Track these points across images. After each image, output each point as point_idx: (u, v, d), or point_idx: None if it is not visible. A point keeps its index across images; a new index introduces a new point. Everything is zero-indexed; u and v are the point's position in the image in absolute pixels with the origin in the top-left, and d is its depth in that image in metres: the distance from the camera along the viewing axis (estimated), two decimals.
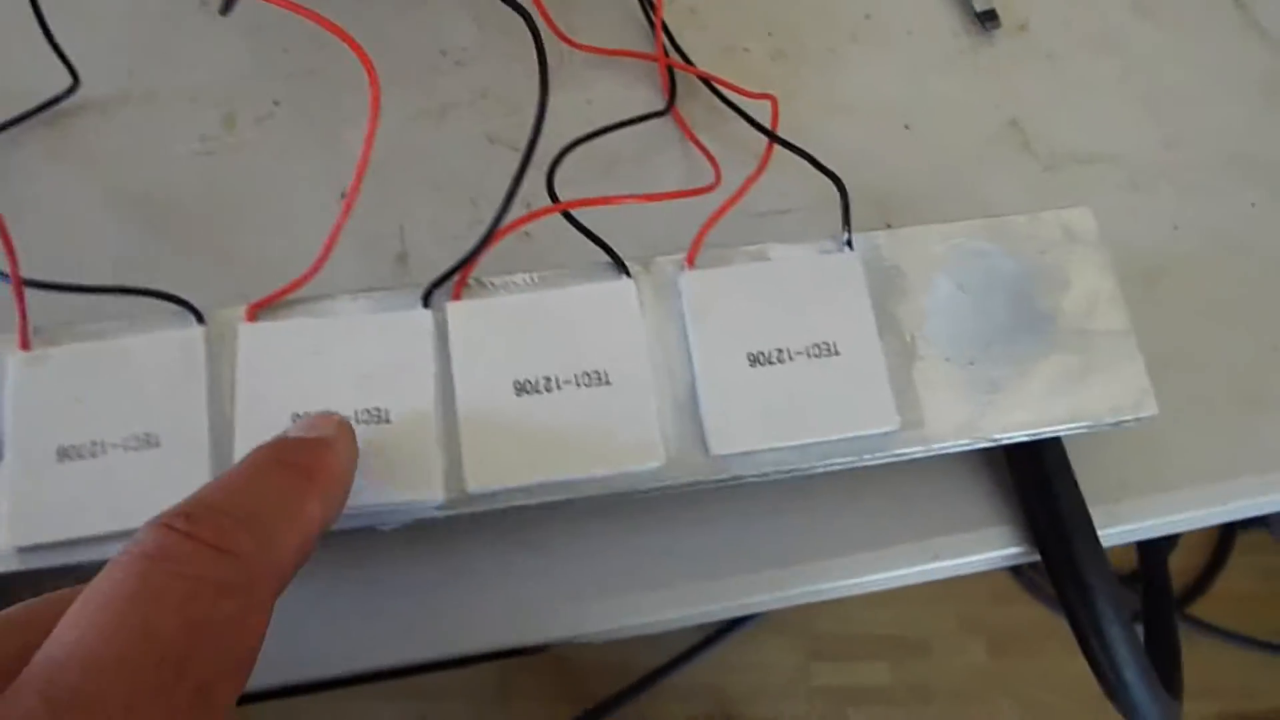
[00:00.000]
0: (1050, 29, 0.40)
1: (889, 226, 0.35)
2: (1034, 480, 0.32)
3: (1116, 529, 0.34)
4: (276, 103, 0.36)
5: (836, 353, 0.29)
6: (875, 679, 1.17)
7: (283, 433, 0.26)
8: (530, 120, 0.37)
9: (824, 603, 0.33)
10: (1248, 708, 1.14)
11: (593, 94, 0.37)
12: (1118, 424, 0.30)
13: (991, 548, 0.33)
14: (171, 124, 0.36)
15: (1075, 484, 0.32)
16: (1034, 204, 0.36)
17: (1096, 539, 0.32)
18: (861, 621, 1.17)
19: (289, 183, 0.35)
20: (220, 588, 0.20)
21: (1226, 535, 1.18)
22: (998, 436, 0.29)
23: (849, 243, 0.30)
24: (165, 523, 0.20)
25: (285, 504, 0.23)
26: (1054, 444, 0.32)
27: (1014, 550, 0.33)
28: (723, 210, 0.31)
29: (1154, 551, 0.48)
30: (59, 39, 0.34)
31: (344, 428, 0.26)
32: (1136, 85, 0.39)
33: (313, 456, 0.25)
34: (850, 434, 0.29)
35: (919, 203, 0.36)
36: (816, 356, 0.29)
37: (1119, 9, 0.40)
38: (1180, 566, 1.20)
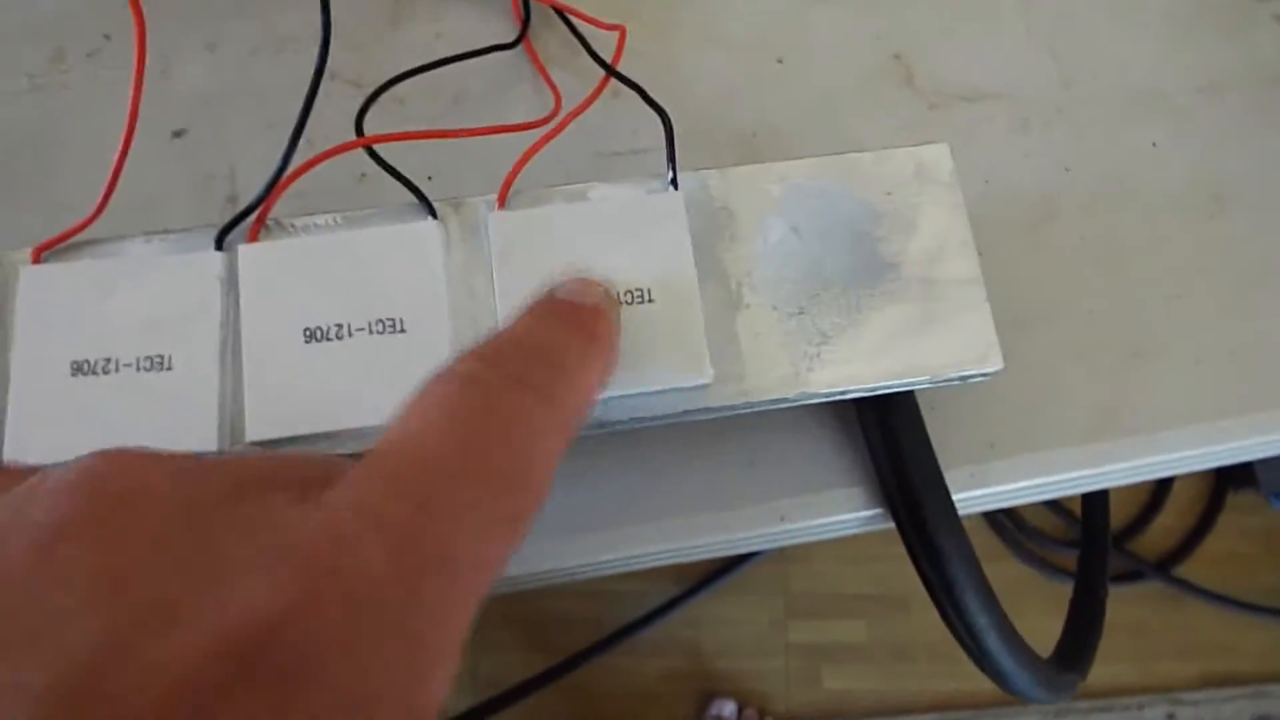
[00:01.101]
0: None
1: None
2: (882, 438, 0.30)
3: (984, 490, 0.32)
4: (107, 36, 0.34)
5: (651, 300, 0.27)
6: (852, 636, 1.16)
7: (550, 290, 0.24)
8: (379, 56, 0.35)
9: (800, 560, 0.32)
10: (1230, 668, 1.12)
11: (443, 26, 0.35)
12: (962, 379, 0.28)
13: (842, 510, 0.31)
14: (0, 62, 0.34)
15: (927, 442, 0.30)
16: (913, 145, 0.34)
17: (949, 501, 0.30)
18: (839, 579, 1.15)
19: (116, 119, 0.34)
20: (536, 419, 0.19)
21: (1216, 495, 1.15)
22: (823, 391, 0.27)
23: (674, 182, 0.28)
24: (473, 355, 0.20)
25: (574, 357, 0.22)
26: (904, 399, 0.30)
27: (867, 513, 0.31)
28: (537, 146, 0.28)
29: (1093, 501, 0.46)
30: None
31: (610, 299, 0.25)
32: (1036, 16, 0.36)
33: (592, 319, 0.23)
34: (659, 387, 0.27)
35: (787, 143, 0.34)
36: (630, 303, 0.27)
37: None
38: (1168, 527, 1.17)
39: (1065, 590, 0.41)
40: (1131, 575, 1.13)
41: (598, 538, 0.30)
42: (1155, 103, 0.36)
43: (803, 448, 0.31)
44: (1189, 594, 1.12)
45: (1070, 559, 1.12)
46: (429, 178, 0.33)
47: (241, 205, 0.33)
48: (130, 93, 0.27)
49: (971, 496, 0.32)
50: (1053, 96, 0.35)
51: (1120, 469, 0.32)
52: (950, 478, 0.30)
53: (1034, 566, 1.14)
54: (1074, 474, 0.32)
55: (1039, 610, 1.13)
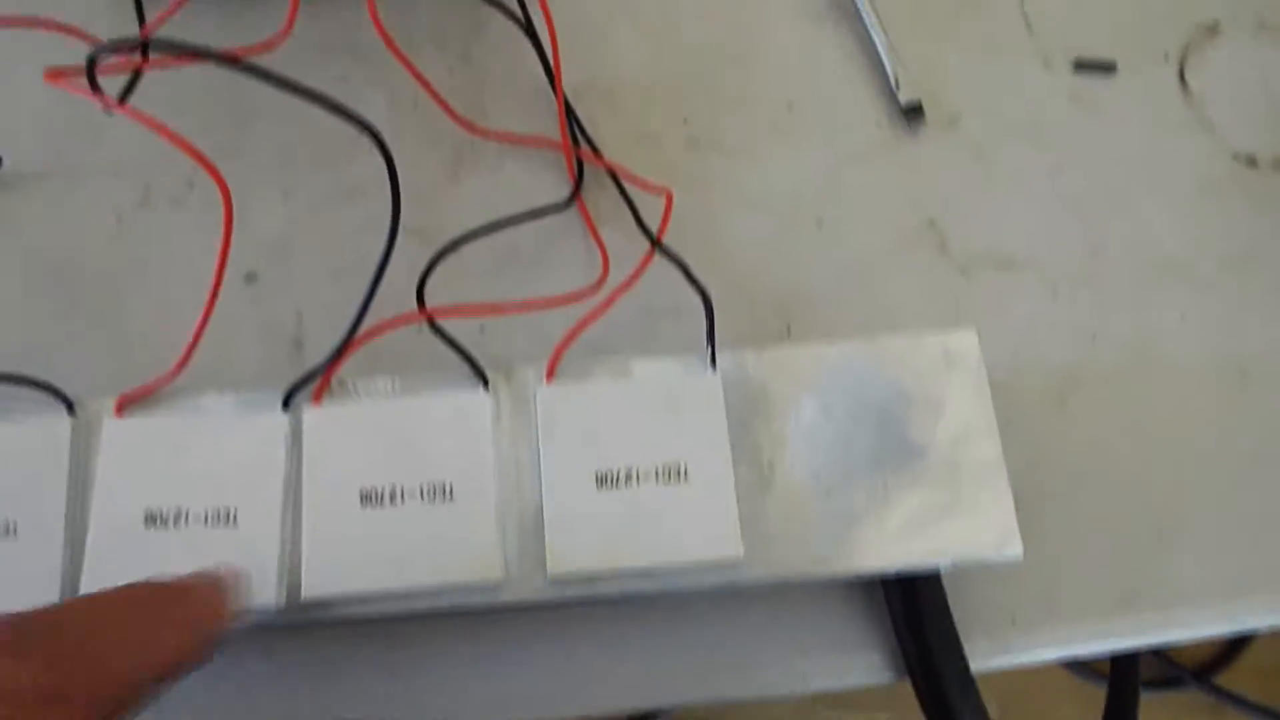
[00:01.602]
0: (980, 122, 0.38)
1: (789, 330, 0.35)
2: (906, 609, 0.31)
3: (1003, 660, 0.33)
4: (191, 184, 0.37)
5: (686, 477, 0.29)
6: None
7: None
8: (441, 208, 0.38)
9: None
10: None
11: (500, 180, 0.37)
12: (980, 563, 0.29)
13: (864, 676, 0.32)
14: (90, 199, 0.37)
15: (948, 617, 0.31)
16: (945, 310, 0.36)
17: (969, 679, 0.30)
18: None
19: (198, 261, 0.36)
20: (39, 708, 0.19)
21: None
22: (850, 571, 0.28)
23: (713, 361, 0.30)
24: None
25: (127, 633, 0.22)
26: (928, 574, 0.31)
27: (888, 676, 0.32)
28: (585, 322, 0.30)
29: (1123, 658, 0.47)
30: None
31: (213, 583, 0.25)
32: (1067, 184, 0.38)
33: (175, 592, 0.24)
34: (692, 560, 0.28)
35: (823, 305, 0.36)
36: (665, 481, 0.29)
37: (1057, 100, 0.39)
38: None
39: (1098, 692, 0.41)
40: (1170, 682, 1.11)
41: (620, 692, 0.32)
42: (1182, 273, 0.37)
43: (827, 611, 0.32)
44: (1229, 704, 1.09)
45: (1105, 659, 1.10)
46: (481, 329, 0.35)
47: (306, 350, 0.35)
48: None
49: (991, 666, 0.32)
50: (1081, 264, 0.37)
51: (1139, 643, 0.33)
52: (970, 647, 0.31)
53: (1067, 670, 1.13)
54: (1094, 647, 0.33)
55: (1070, 713, 1.12)
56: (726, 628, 0.32)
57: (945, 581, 0.31)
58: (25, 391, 0.30)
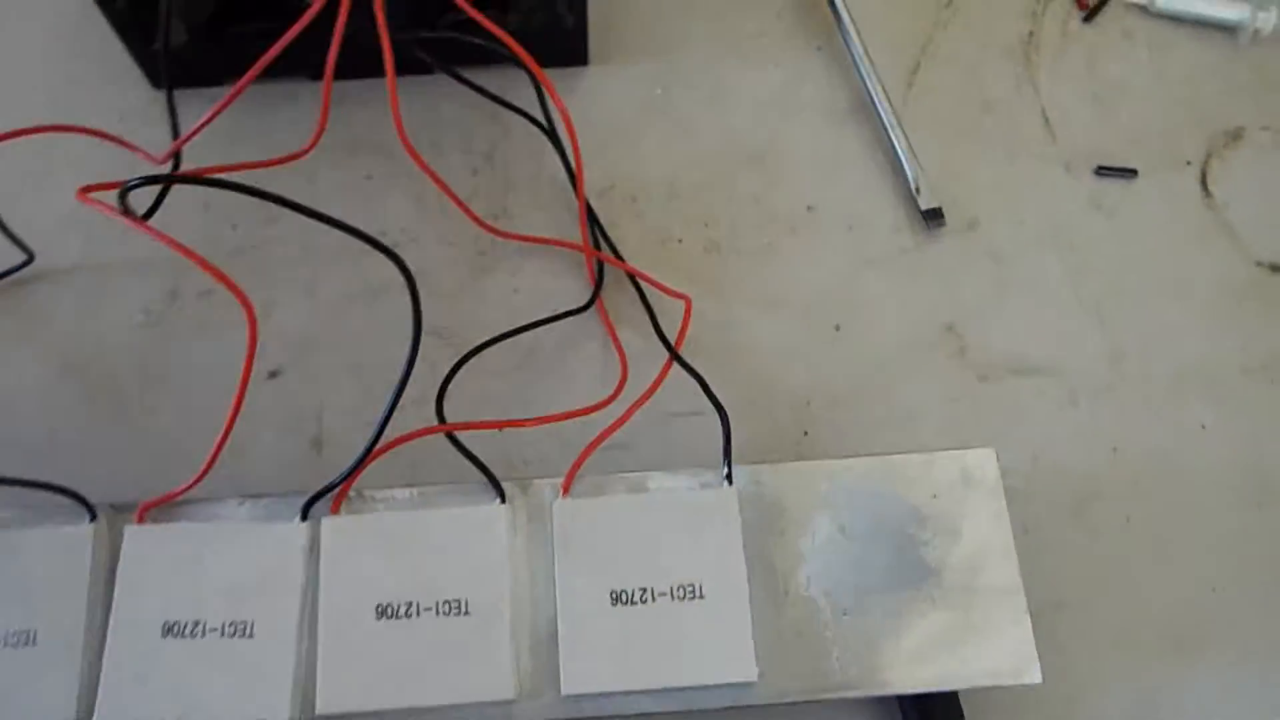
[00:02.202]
0: (1000, 226, 0.39)
1: (805, 435, 0.35)
2: None
3: None
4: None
5: (701, 596, 0.29)
6: None
7: None
8: (462, 307, 0.38)
9: None
10: None
11: (520, 281, 0.38)
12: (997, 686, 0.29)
13: None
14: (118, 296, 0.37)
15: None
16: (963, 416, 0.36)
17: None
18: None
19: (223, 359, 0.37)
20: None
21: None
22: (866, 693, 0.28)
23: (728, 477, 0.30)
24: None
25: None
26: (945, 693, 0.31)
27: None
28: (602, 437, 0.30)
29: None
30: (20, 209, 0.36)
31: None
32: (1087, 289, 0.38)
33: None
34: (708, 682, 0.28)
35: (841, 409, 0.36)
36: (680, 599, 0.29)
37: (1077, 205, 0.39)
38: None
39: None
40: None
41: None
42: (1204, 381, 0.37)
43: None
44: None
45: None
46: (496, 433, 0.35)
47: (325, 451, 0.36)
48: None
49: None
50: (1102, 371, 0.37)
51: None
52: None
53: None
54: None
55: None
56: None
57: (961, 696, 0.31)
58: (47, 496, 0.30)
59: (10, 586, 0.29)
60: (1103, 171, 0.39)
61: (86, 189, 0.29)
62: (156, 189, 0.33)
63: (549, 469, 0.31)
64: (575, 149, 0.35)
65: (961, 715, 0.31)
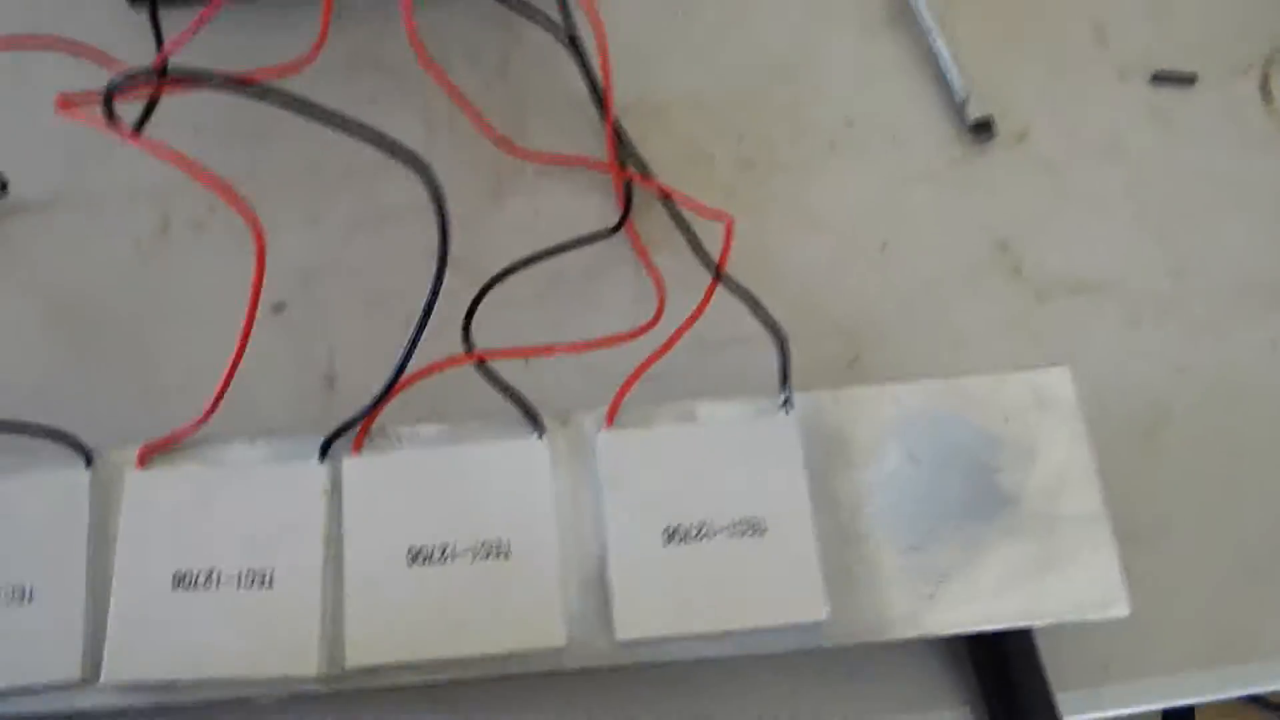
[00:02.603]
0: (1052, 138, 0.36)
1: (856, 359, 0.33)
2: (994, 666, 0.29)
3: (1097, 713, 0.30)
4: (212, 207, 0.35)
5: (763, 531, 0.26)
6: None
7: None
8: (480, 235, 0.35)
9: None
10: None
11: (542, 204, 0.35)
12: (1082, 621, 0.27)
13: None
14: (105, 226, 0.34)
15: (1042, 675, 0.29)
16: (1020, 339, 0.33)
17: None
18: None
19: (220, 292, 0.34)
20: None
21: None
22: (940, 632, 0.26)
23: (787, 403, 0.28)
24: None
25: None
26: (1020, 630, 0.29)
27: None
28: (646, 364, 0.28)
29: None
30: None
31: None
32: (1144, 202, 0.35)
33: None
34: (773, 623, 0.26)
35: (892, 333, 0.33)
36: (741, 534, 0.26)
37: (1132, 114, 0.37)
38: None
39: None
40: None
41: None
42: (1271, 296, 0.34)
43: (904, 665, 0.30)
44: None
45: None
46: (525, 365, 0.33)
47: (339, 387, 0.33)
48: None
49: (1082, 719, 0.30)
50: (1163, 289, 0.34)
51: (1238, 692, 0.31)
52: (1062, 700, 0.29)
53: None
54: (1192, 700, 0.30)
55: None
56: (793, 683, 0.30)
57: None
58: (39, 443, 0.27)
59: (2, 540, 0.26)
60: (1159, 78, 0.37)
61: (66, 99, 0.26)
62: (140, 105, 0.30)
63: (577, 405, 0.29)
64: (604, 58, 0.32)
65: (1035, 651, 0.29)
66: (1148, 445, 0.33)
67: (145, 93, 0.29)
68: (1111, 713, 0.30)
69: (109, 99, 0.23)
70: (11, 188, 0.34)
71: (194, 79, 0.23)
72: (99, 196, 0.35)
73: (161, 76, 0.27)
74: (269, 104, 0.22)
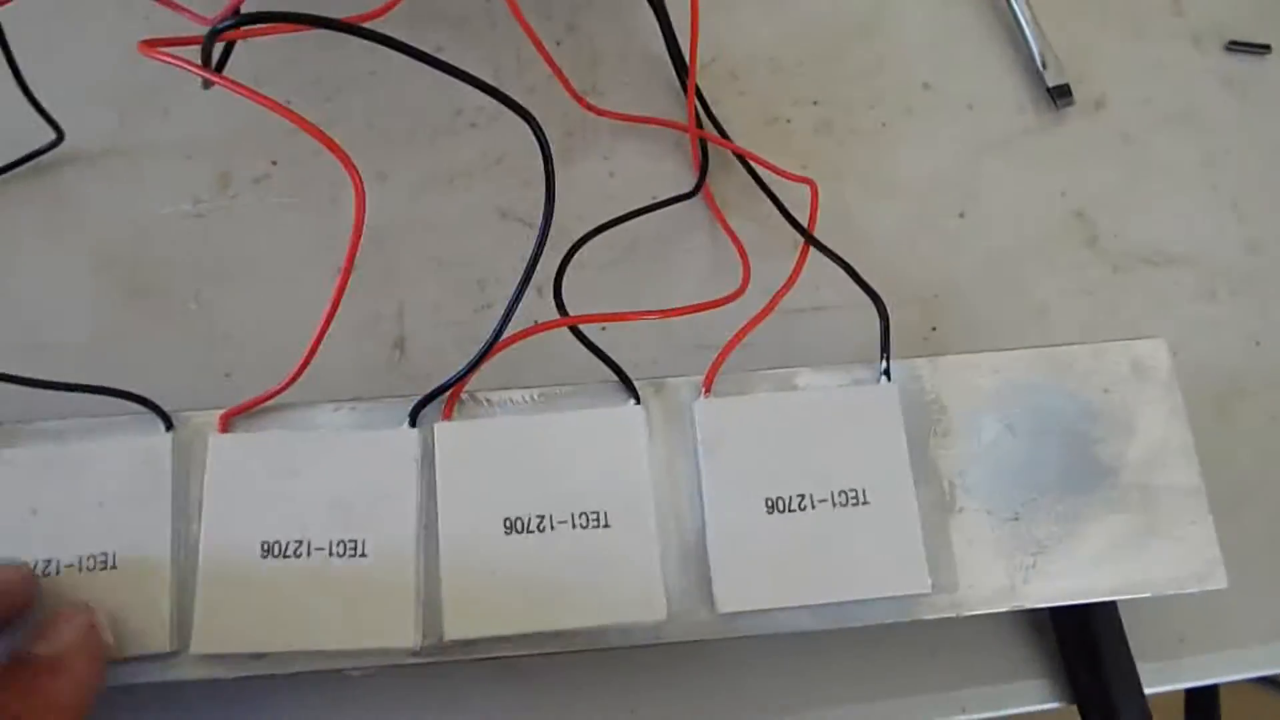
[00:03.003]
0: (1129, 106, 0.36)
1: (933, 330, 0.32)
2: (1078, 639, 0.29)
3: (1172, 687, 0.30)
4: (274, 162, 0.33)
5: (865, 501, 0.26)
6: None
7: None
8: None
9: None
10: None
11: (616, 164, 0.34)
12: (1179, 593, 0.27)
13: (1025, 702, 0.30)
14: (161, 182, 0.33)
15: (1126, 647, 0.29)
16: (1098, 310, 0.33)
17: (1146, 710, 0.28)
18: None
19: (284, 252, 0.33)
20: None
21: None
22: (1039, 605, 0.26)
23: (886, 372, 0.27)
24: None
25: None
26: (1106, 604, 0.29)
27: (1052, 706, 0.30)
28: (744, 331, 0.27)
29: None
30: (47, 85, 0.32)
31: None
32: (1221, 174, 0.35)
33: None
34: (876, 595, 0.26)
35: (969, 304, 0.33)
36: (842, 505, 0.26)
37: (1208, 83, 0.36)
38: None
39: None
40: None
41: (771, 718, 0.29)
42: None
43: (986, 636, 0.30)
44: None
45: None
46: (602, 328, 0.32)
47: (409, 350, 0.32)
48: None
49: (1160, 689, 0.30)
50: (1240, 262, 0.34)
51: None
52: (1139, 670, 0.29)
53: None
54: (1267, 672, 0.31)
55: None
56: (881, 653, 0.30)
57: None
58: (111, 404, 0.26)
59: (82, 506, 0.26)
60: (1234, 47, 0.36)
61: (151, 43, 0.25)
62: (219, 55, 0.29)
63: (661, 373, 0.28)
64: (695, 16, 0.31)
65: (1119, 623, 0.29)
66: (1223, 417, 0.33)
67: (224, 37, 0.28)
68: (1188, 684, 0.31)
69: (211, 40, 0.22)
70: (68, 139, 0.33)
71: (295, 20, 0.22)
72: (157, 150, 0.33)
73: (265, 18, 0.26)
74: (360, 41, 0.21)
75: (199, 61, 0.24)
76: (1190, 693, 0.48)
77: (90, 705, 0.23)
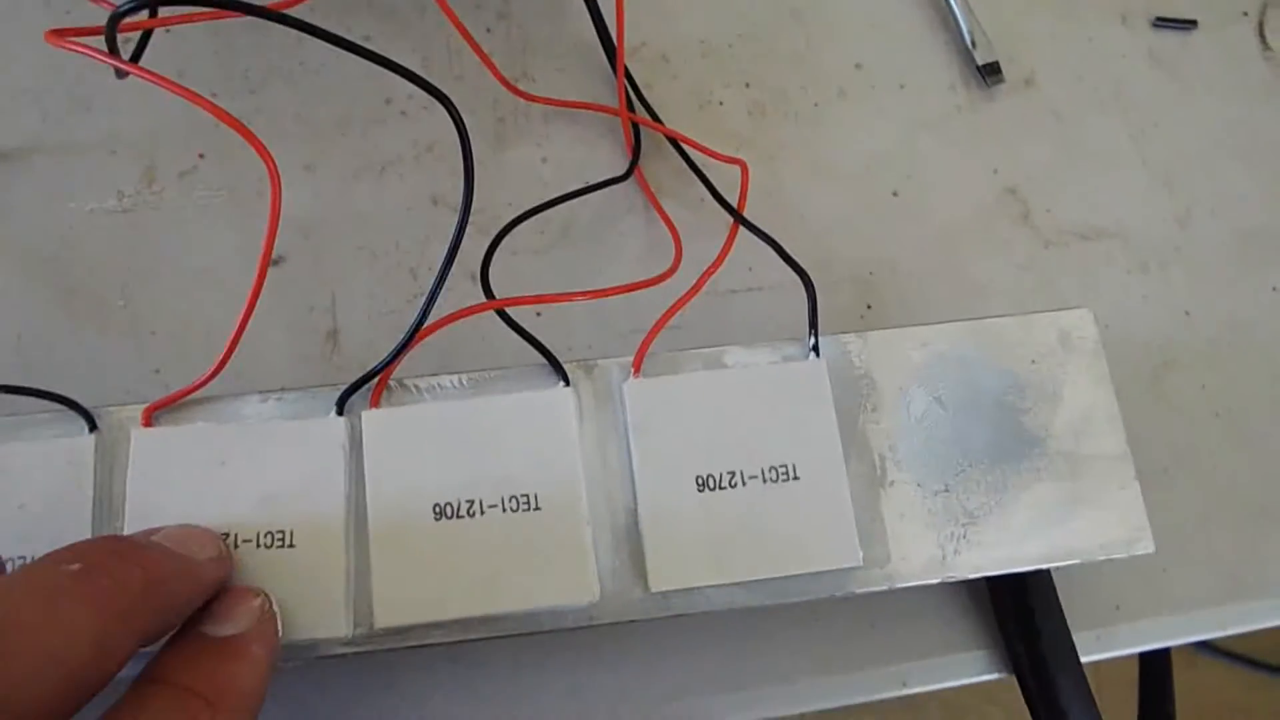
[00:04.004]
0: (1058, 84, 0.36)
1: (869, 309, 0.33)
2: (1015, 610, 0.29)
3: (1110, 655, 0.31)
4: (201, 155, 0.33)
5: (796, 477, 0.26)
6: None
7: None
8: (485, 181, 0.34)
9: None
10: None
11: (549, 150, 0.34)
12: (1109, 560, 0.27)
13: (965, 674, 0.30)
14: (86, 177, 0.33)
15: (1061, 616, 0.29)
16: (1031, 285, 0.33)
17: (1082, 676, 0.29)
18: None
19: (212, 246, 0.32)
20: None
21: None
22: (971, 575, 0.26)
23: (815, 349, 0.27)
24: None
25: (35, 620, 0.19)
26: (1040, 573, 0.29)
27: (991, 676, 0.30)
28: (673, 310, 0.27)
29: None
30: None
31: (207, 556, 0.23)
32: (1151, 149, 0.36)
33: (116, 564, 0.21)
34: (807, 570, 0.26)
35: (904, 281, 0.33)
36: (773, 481, 0.26)
37: (1135, 62, 0.37)
38: None
39: None
40: None
41: (718, 700, 0.29)
42: (1274, 244, 0.35)
43: (926, 610, 0.30)
44: (1204, 654, 1.11)
45: None
46: (537, 313, 0.32)
47: (342, 341, 0.32)
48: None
49: (1097, 657, 0.31)
50: (1170, 235, 0.35)
51: (1248, 629, 0.31)
52: (1076, 639, 0.29)
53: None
54: (1202, 637, 0.31)
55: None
56: (821, 629, 0.30)
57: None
58: (33, 404, 0.26)
59: (2, 507, 0.25)
60: (1160, 23, 0.37)
61: (59, 32, 0.24)
62: (136, 44, 0.28)
63: (591, 355, 0.28)
64: (620, 2, 0.31)
65: (1054, 592, 0.29)
66: (1155, 388, 0.33)
67: (137, 26, 0.28)
68: (1125, 651, 0.31)
69: (114, 26, 0.22)
70: None
71: (206, 3, 0.22)
72: (81, 146, 0.33)
73: (173, 1, 0.26)
74: (288, 31, 0.21)
75: (108, 51, 0.23)
76: (1144, 660, 0.49)
77: (265, 694, 0.22)
